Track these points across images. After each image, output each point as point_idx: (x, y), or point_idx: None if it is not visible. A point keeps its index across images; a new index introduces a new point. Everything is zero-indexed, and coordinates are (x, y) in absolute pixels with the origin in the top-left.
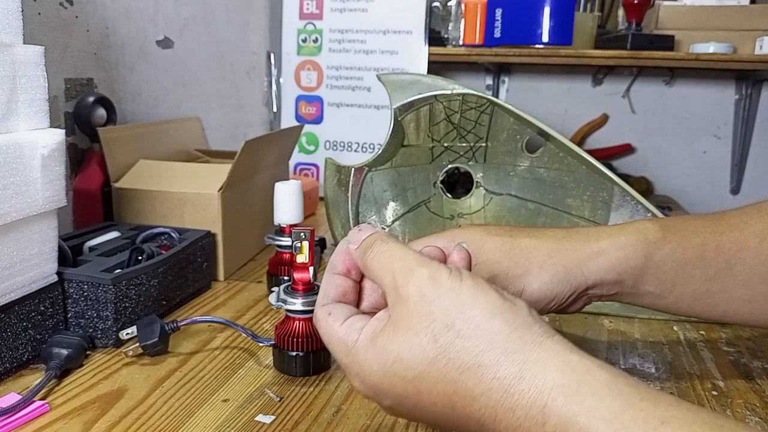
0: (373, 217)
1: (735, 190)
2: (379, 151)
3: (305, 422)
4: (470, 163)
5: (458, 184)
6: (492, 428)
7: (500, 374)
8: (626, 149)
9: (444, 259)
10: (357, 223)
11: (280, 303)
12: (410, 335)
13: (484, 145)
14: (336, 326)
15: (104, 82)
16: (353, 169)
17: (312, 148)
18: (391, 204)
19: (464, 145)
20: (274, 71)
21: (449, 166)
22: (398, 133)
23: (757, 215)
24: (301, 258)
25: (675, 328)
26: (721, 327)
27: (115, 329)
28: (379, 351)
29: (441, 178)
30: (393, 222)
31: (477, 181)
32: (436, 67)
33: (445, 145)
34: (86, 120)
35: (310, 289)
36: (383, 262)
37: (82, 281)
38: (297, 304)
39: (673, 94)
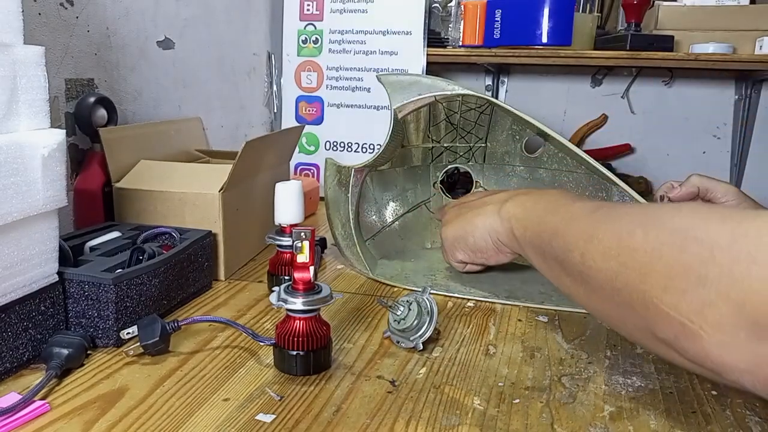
0: (373, 217)
1: None
2: (379, 152)
3: (306, 421)
4: (470, 163)
5: (458, 184)
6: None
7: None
8: (625, 149)
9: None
10: (357, 223)
11: (281, 302)
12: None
13: (483, 145)
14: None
15: (105, 83)
16: (353, 170)
17: (312, 148)
18: (391, 204)
19: (464, 145)
20: (274, 72)
21: (449, 166)
22: (398, 134)
23: None
24: (302, 258)
25: None
26: None
27: (115, 329)
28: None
29: (441, 178)
30: (393, 222)
31: (476, 181)
32: (435, 68)
33: (445, 145)
34: (87, 120)
35: (311, 289)
36: None
37: (82, 281)
38: (297, 303)
39: (672, 94)
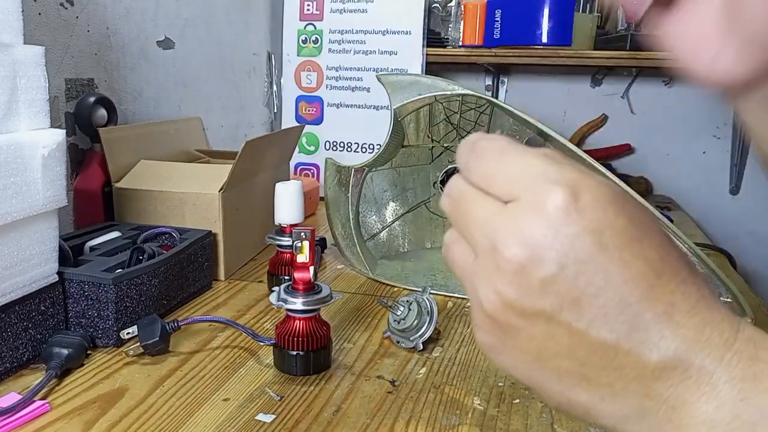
0: (373, 217)
1: (734, 190)
2: (379, 152)
3: (305, 421)
4: None
5: None
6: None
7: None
8: (625, 150)
9: None
10: (357, 223)
11: (281, 302)
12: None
13: None
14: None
15: (105, 83)
16: (353, 170)
17: (312, 148)
18: (391, 204)
19: None
20: (274, 72)
21: (449, 166)
22: (398, 134)
23: None
24: (302, 258)
25: None
26: None
27: (115, 329)
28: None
29: (441, 178)
30: (393, 222)
31: None
32: (435, 68)
33: (445, 145)
34: (87, 120)
35: (311, 289)
36: None
37: (82, 281)
38: (297, 303)
39: (672, 94)
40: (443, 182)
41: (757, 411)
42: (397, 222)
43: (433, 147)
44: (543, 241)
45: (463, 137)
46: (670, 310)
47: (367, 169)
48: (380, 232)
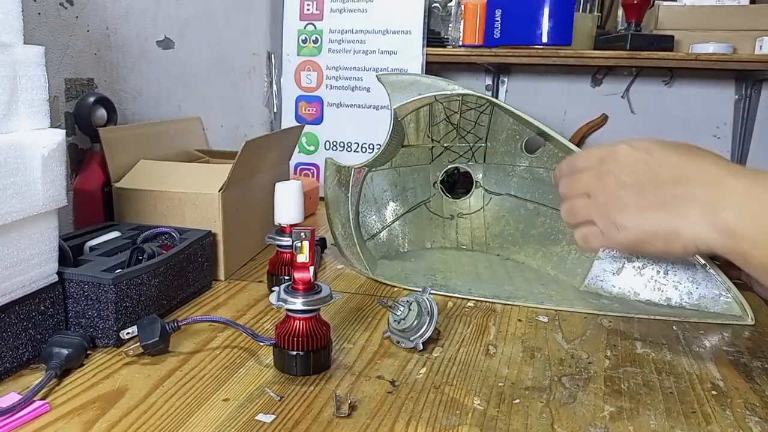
0: (373, 217)
1: None
2: (379, 151)
3: (305, 421)
4: (470, 163)
5: (458, 184)
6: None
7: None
8: None
9: None
10: (357, 223)
11: (281, 302)
12: None
13: (483, 145)
14: None
15: (105, 83)
16: (353, 169)
17: (312, 148)
18: (391, 204)
19: (464, 145)
20: (274, 72)
21: (449, 166)
22: (398, 134)
23: None
24: (302, 258)
25: (674, 327)
26: (721, 327)
27: (115, 329)
28: None
29: (441, 178)
30: (393, 222)
31: (476, 181)
32: (435, 67)
33: (445, 145)
34: (87, 120)
35: (311, 289)
36: None
37: (82, 281)
38: (297, 303)
39: (672, 94)
40: (443, 182)
41: None
42: (397, 222)
43: (433, 147)
44: (631, 147)
45: (463, 137)
46: (714, 158)
47: (367, 169)
48: (380, 232)
